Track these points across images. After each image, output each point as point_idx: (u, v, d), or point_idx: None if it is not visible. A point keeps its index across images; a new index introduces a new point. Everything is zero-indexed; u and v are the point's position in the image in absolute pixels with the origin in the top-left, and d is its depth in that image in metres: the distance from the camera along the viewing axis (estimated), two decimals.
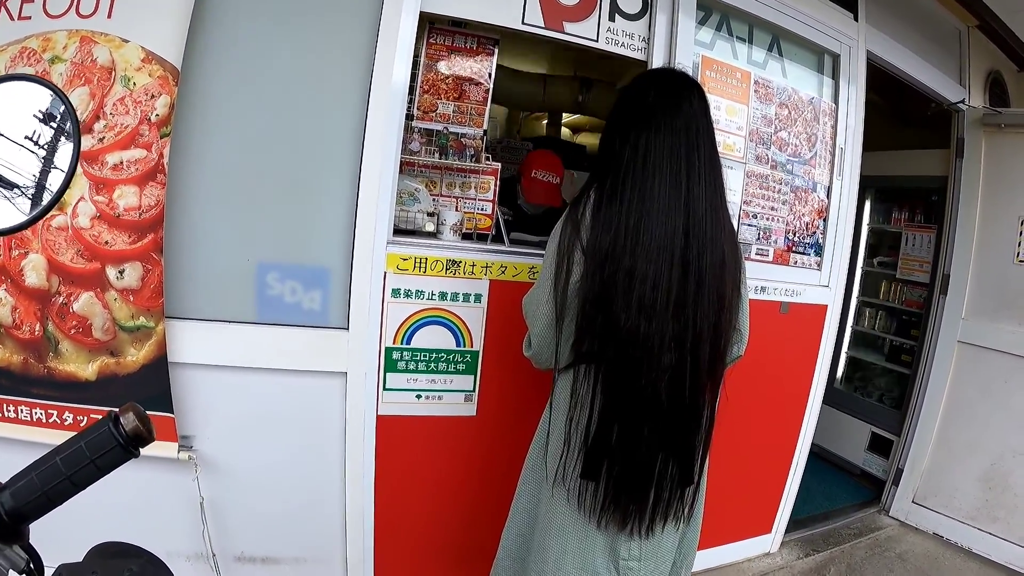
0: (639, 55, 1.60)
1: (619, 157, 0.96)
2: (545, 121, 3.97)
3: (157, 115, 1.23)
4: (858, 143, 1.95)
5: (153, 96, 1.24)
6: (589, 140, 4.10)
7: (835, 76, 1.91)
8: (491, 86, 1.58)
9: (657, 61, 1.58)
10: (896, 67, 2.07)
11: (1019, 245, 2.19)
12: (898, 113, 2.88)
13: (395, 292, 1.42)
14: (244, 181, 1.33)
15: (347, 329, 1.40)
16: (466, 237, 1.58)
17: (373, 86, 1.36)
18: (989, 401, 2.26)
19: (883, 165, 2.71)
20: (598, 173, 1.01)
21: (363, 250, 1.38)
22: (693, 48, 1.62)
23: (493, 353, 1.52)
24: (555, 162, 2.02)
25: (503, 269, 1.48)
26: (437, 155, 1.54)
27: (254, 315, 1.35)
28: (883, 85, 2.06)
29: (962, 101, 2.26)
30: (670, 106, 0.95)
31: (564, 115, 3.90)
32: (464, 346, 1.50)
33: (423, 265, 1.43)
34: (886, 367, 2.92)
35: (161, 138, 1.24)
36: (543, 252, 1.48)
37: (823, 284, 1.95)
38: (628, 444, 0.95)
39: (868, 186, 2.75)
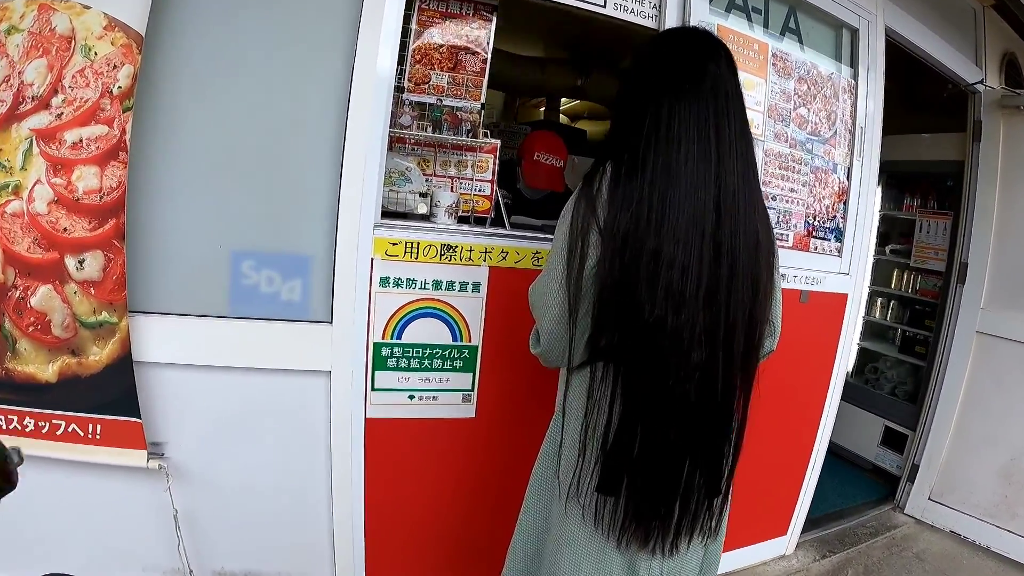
0: (649, 22, 1.47)
1: (638, 126, 0.84)
2: (543, 108, 3.83)
3: (119, 87, 1.13)
4: (878, 123, 1.84)
5: (115, 67, 1.14)
6: (589, 127, 3.98)
7: (854, 52, 1.80)
8: (489, 55, 1.44)
9: None
10: (915, 44, 1.97)
11: None
12: (909, 96, 2.78)
13: (383, 281, 1.29)
14: (215, 160, 1.21)
15: (331, 323, 1.29)
16: (463, 221, 1.44)
17: (358, 55, 1.24)
18: (1009, 394, 2.17)
19: (893, 150, 2.60)
20: (613, 145, 0.89)
21: (347, 234, 1.25)
22: (708, 17, 1.49)
23: (494, 348, 1.39)
24: (558, 143, 1.89)
25: (504, 255, 1.34)
26: (430, 130, 1.41)
27: (227, 308, 1.24)
28: (892, 66, 1.96)
29: (981, 82, 2.16)
30: (695, 68, 0.84)
31: (563, 102, 3.78)
32: (461, 341, 1.36)
33: (415, 250, 1.29)
34: (899, 358, 2.82)
35: (123, 112, 1.14)
36: (549, 236, 1.38)
37: (843, 272, 1.84)
38: (652, 452, 0.83)
39: (879, 171, 2.65)
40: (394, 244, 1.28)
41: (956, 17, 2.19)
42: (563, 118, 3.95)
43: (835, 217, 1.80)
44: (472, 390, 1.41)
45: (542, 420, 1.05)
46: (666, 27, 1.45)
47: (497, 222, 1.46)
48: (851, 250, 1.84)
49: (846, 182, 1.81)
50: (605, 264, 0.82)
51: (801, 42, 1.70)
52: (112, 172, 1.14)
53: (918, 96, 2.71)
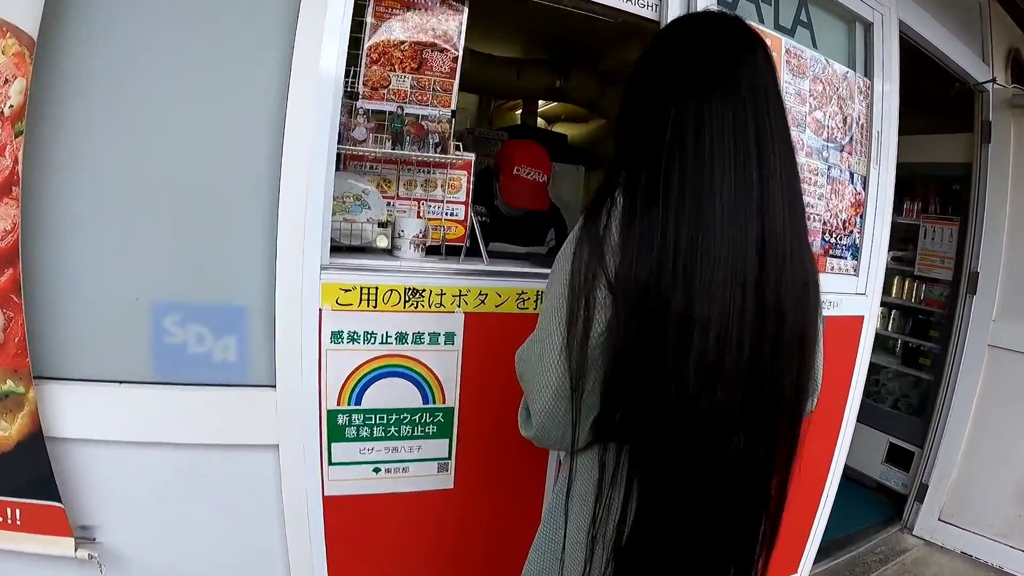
0: (649, 12, 1.25)
1: (656, 137, 0.64)
2: (519, 111, 3.61)
3: (11, 106, 0.91)
4: (894, 126, 1.67)
5: (7, 80, 0.92)
6: (568, 130, 3.76)
7: (868, 48, 1.62)
8: (460, 52, 1.20)
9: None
10: (927, 40, 1.81)
11: None
12: (909, 95, 2.64)
13: (335, 336, 1.04)
14: (126, 193, 1.01)
15: (274, 387, 1.04)
16: (432, 251, 1.20)
17: (296, 55, 1.01)
18: (1019, 409, 2.05)
19: None
20: (624, 165, 0.69)
21: (288, 280, 1.00)
22: (715, 7, 1.27)
23: (474, 408, 1.16)
24: (540, 155, 1.66)
25: (483, 298, 1.11)
26: (390, 144, 1.16)
27: (150, 372, 1.03)
28: None
29: (992, 80, 2.01)
30: (729, 59, 0.65)
31: (540, 104, 3.56)
32: (434, 402, 1.12)
33: (373, 297, 1.04)
34: (900, 370, 2.70)
35: (15, 137, 0.92)
36: (536, 272, 1.16)
37: (860, 292, 1.66)
38: (677, 553, 0.68)
39: None
40: (347, 290, 1.03)
41: (963, 12, 2.06)
42: (540, 121, 3.73)
43: (851, 232, 1.62)
44: (449, 458, 1.17)
45: (533, 489, 0.85)
46: (668, 18, 1.23)
47: (473, 251, 1.23)
48: (867, 268, 1.66)
49: (862, 192, 1.63)
50: (618, 330, 0.64)
51: (814, 38, 1.51)
52: (4, 212, 0.92)
53: (919, 95, 2.57)
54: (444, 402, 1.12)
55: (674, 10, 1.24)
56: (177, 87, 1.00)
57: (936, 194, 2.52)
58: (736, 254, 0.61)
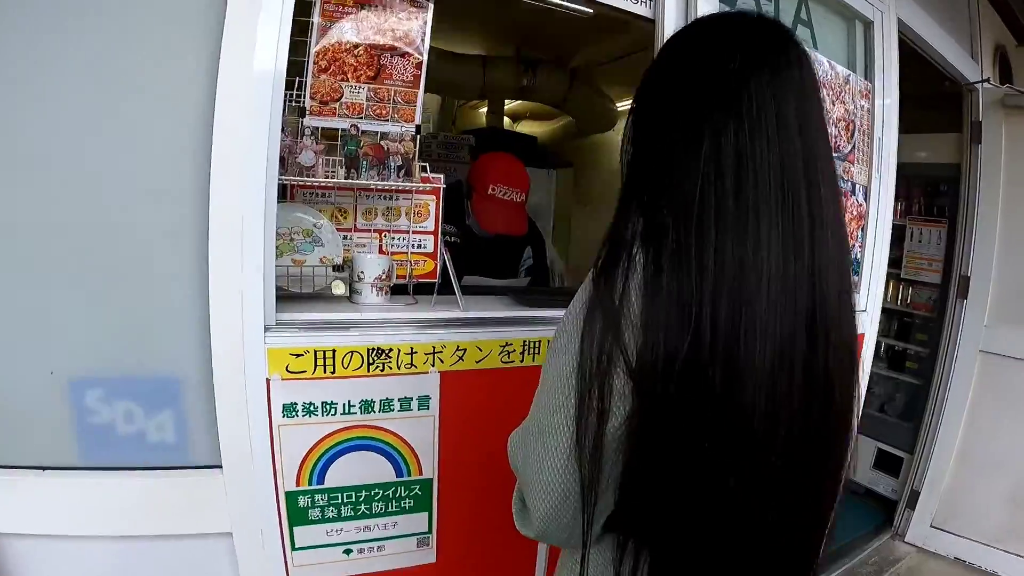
0: (643, 10, 1.09)
1: (685, 175, 0.50)
2: (484, 109, 3.44)
3: None
4: (895, 129, 1.57)
5: None
6: (532, 129, 3.59)
7: (868, 49, 1.51)
8: (425, 58, 1.02)
9: (669, 20, 1.08)
10: (923, 39, 1.73)
11: None
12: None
13: (288, 410, 0.86)
14: (26, 243, 0.82)
15: (221, 468, 0.88)
16: (398, 291, 1.03)
17: (223, 65, 0.82)
18: (1017, 416, 2.03)
19: None
20: (640, 206, 0.54)
21: (225, 347, 0.82)
22: (717, 5, 1.13)
23: (454, 477, 1.00)
24: (517, 170, 1.48)
25: (460, 353, 0.94)
26: (343, 171, 0.97)
27: (75, 457, 0.88)
28: None
29: (987, 80, 1.95)
30: (775, 78, 0.51)
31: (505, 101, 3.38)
32: (409, 475, 0.95)
33: (330, 361, 0.86)
34: (886, 375, 2.66)
35: None
36: (521, 314, 1.01)
37: (862, 310, 1.57)
38: None
39: None
40: (298, 356, 0.84)
41: (953, 9, 1.98)
42: (505, 120, 3.54)
43: (853, 247, 1.52)
44: (429, 532, 1.01)
45: (525, 556, 0.81)
46: (665, 17, 1.08)
47: (445, 287, 1.06)
48: (869, 283, 1.57)
49: (864, 204, 1.53)
50: (641, 424, 0.51)
51: (814, 36, 1.39)
52: None
53: (902, 92, 2.50)
54: (421, 473, 0.96)
55: (671, 9, 1.08)
56: (83, 100, 0.80)
57: (922, 195, 2.47)
58: (785, 330, 0.50)
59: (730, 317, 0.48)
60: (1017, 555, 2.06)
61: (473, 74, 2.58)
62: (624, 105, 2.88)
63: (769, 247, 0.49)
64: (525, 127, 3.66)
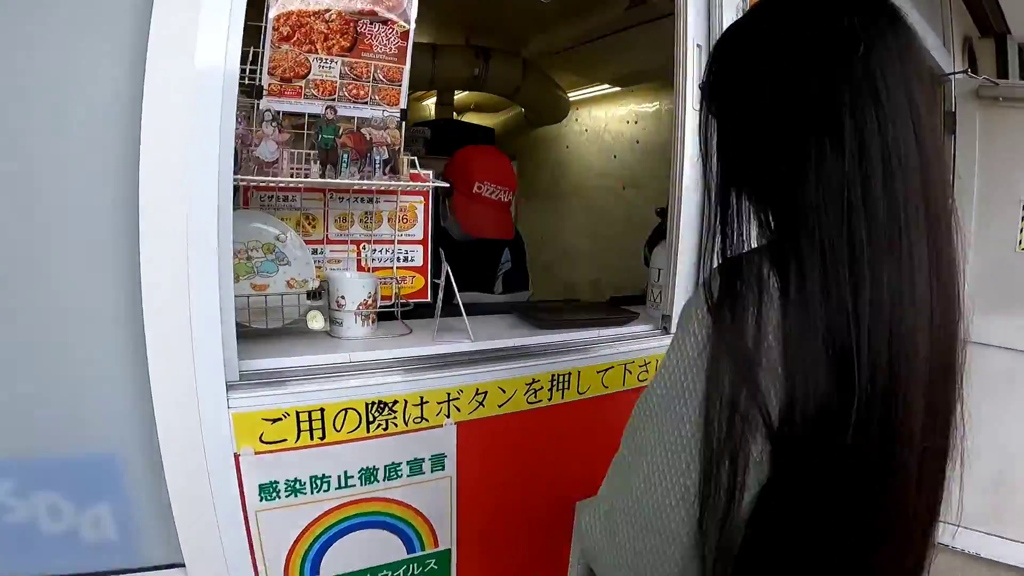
0: None
1: (826, 174, 0.39)
2: (431, 101, 3.22)
3: None
4: None
5: None
6: (480, 121, 3.41)
7: None
8: (412, 26, 0.82)
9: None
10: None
11: (1021, 232, 1.98)
12: None
13: (268, 491, 0.64)
14: None
15: (184, 567, 0.66)
16: (384, 316, 0.83)
17: (152, 38, 0.60)
18: (994, 402, 2.07)
19: None
20: (755, 200, 0.45)
21: (172, 415, 0.61)
22: None
23: (476, 544, 0.81)
24: (505, 166, 1.27)
25: (480, 398, 0.74)
26: (316, 167, 0.75)
27: None
28: None
29: (966, 70, 1.96)
30: (902, 57, 0.40)
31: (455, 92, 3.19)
32: (423, 549, 0.76)
33: (318, 424, 0.65)
34: None
35: None
36: (543, 339, 0.82)
37: None
38: None
39: None
40: (273, 421, 0.62)
41: (927, 0, 1.98)
42: (452, 113, 3.34)
43: None
44: None
45: None
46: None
47: (444, 298, 0.86)
48: None
49: None
50: (779, 499, 0.41)
51: None
52: None
53: None
54: (436, 545, 0.77)
55: None
56: None
57: None
58: (936, 377, 0.44)
59: (888, 364, 0.39)
60: (998, 536, 2.14)
61: (423, 63, 2.38)
62: (578, 94, 2.74)
63: (919, 269, 0.40)
64: (471, 119, 3.47)
